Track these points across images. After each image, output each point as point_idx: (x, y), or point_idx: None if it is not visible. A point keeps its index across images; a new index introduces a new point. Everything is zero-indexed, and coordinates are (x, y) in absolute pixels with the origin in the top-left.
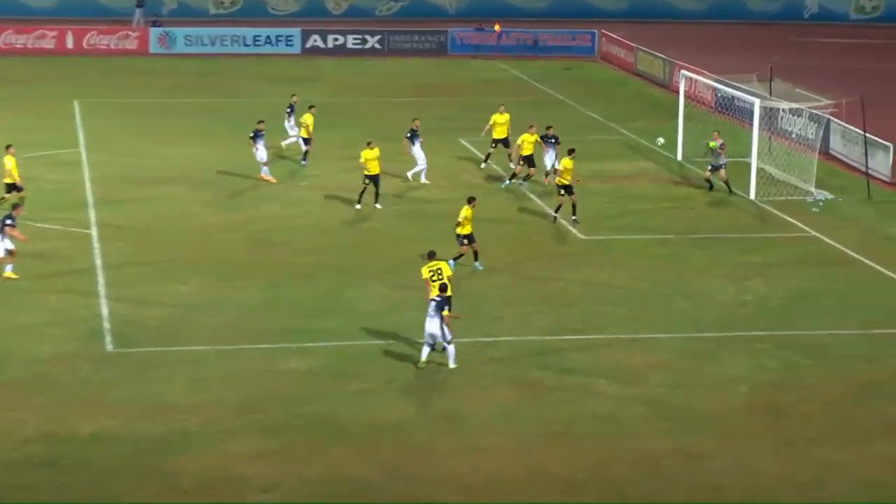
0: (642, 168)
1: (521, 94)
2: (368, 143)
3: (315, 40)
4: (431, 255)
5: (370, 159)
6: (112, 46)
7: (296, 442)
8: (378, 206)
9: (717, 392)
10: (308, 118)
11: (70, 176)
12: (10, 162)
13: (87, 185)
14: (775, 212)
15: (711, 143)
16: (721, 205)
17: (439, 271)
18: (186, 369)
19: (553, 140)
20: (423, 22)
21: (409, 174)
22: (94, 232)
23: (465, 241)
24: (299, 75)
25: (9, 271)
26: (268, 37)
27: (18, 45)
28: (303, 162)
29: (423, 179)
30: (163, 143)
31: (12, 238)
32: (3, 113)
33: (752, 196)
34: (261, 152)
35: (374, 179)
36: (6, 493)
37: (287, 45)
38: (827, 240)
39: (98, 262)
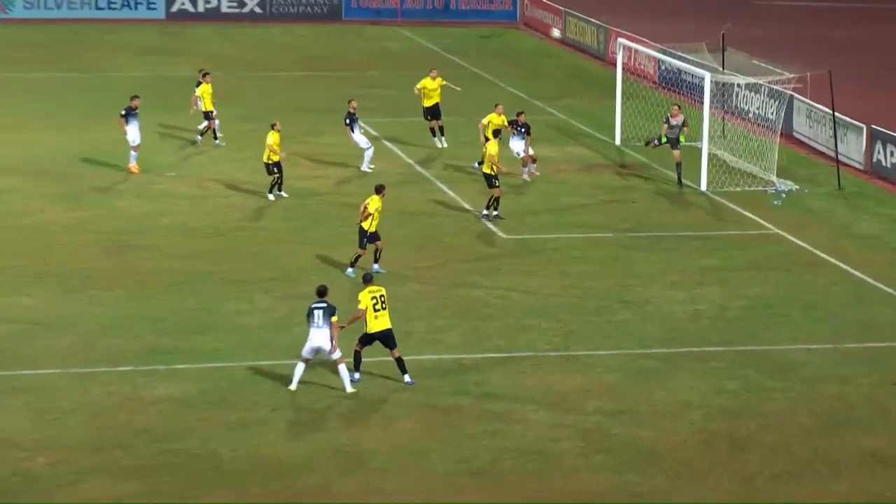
0: (574, 154)
1: (429, 68)
2: (273, 126)
3: (182, 3)
4: (369, 279)
5: (277, 143)
6: None
7: (164, 484)
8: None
9: (665, 420)
10: (205, 89)
11: None
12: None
13: None
14: (731, 205)
15: (682, 138)
16: (668, 197)
17: (383, 298)
18: (29, 397)
19: (523, 129)
20: None
21: (365, 167)
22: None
23: (368, 240)
24: (163, 46)
25: None
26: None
27: None
28: (216, 141)
29: (366, 167)
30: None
31: None
32: None
33: (704, 187)
34: (132, 134)
35: (279, 166)
36: None
37: (149, 8)
38: (792, 238)
39: None
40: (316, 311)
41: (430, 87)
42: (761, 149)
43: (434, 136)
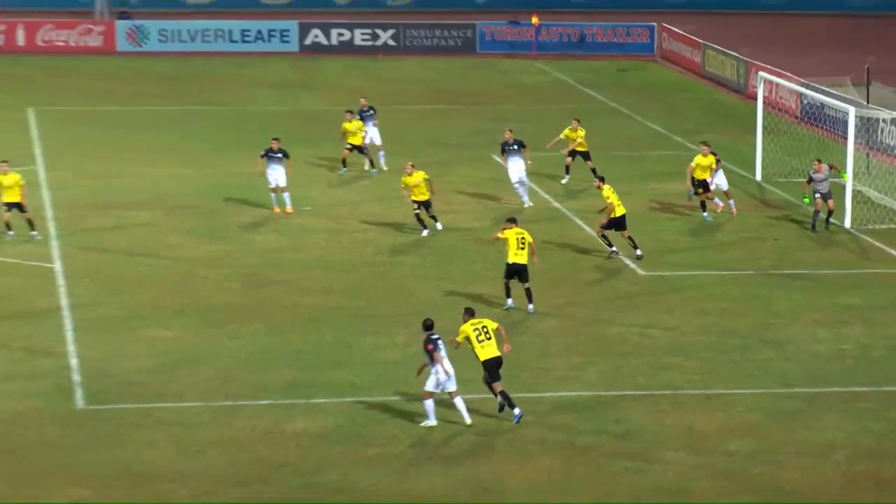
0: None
1: (564, 102)
2: (411, 165)
3: (316, 36)
4: (471, 313)
5: (412, 185)
6: (72, 43)
7: None
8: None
9: (809, 461)
10: (356, 125)
11: (27, 200)
12: None
13: (48, 211)
14: (876, 243)
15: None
16: (811, 236)
17: (485, 329)
18: (172, 431)
19: None
20: (446, 14)
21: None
22: (58, 266)
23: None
24: (296, 79)
25: None
26: (259, 32)
27: None
28: (373, 170)
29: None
30: (134, 160)
31: None
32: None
33: (848, 224)
34: (271, 176)
35: (425, 204)
36: None
37: (282, 41)
38: None
39: (64, 302)
40: (440, 342)
41: (573, 137)
42: None
43: (567, 172)
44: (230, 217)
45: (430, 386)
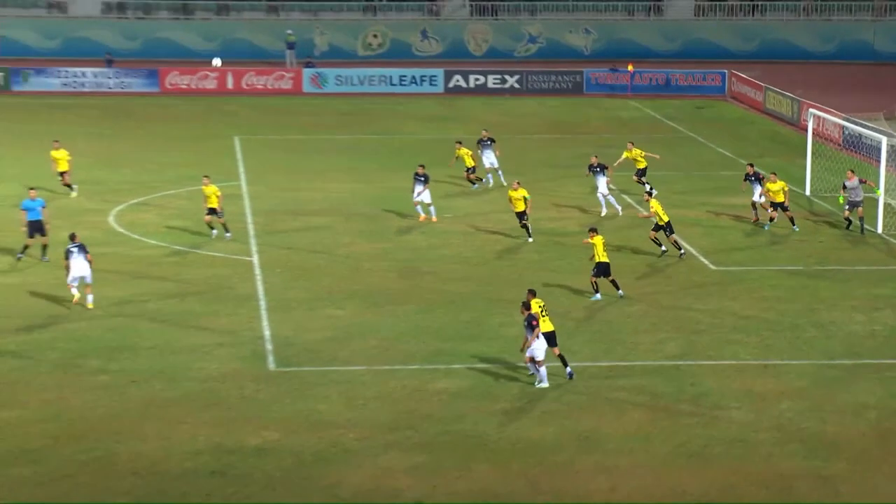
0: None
1: (654, 132)
2: (517, 183)
3: (457, 80)
4: (533, 293)
5: (515, 199)
6: (268, 86)
7: (444, 458)
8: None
9: (847, 418)
10: (464, 151)
11: (232, 207)
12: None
13: (248, 217)
14: None
15: (877, 191)
16: (849, 238)
17: (545, 307)
18: (342, 388)
19: (753, 177)
20: (559, 63)
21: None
22: (255, 259)
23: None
24: (442, 114)
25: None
26: (413, 77)
27: (183, 86)
28: (474, 185)
29: (616, 207)
30: (316, 177)
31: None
32: (170, 149)
33: (880, 230)
34: (416, 192)
35: (520, 215)
36: (181, 500)
37: (431, 84)
38: None
39: (259, 287)
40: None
41: (631, 157)
42: None
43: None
44: (389, 222)
45: (539, 355)
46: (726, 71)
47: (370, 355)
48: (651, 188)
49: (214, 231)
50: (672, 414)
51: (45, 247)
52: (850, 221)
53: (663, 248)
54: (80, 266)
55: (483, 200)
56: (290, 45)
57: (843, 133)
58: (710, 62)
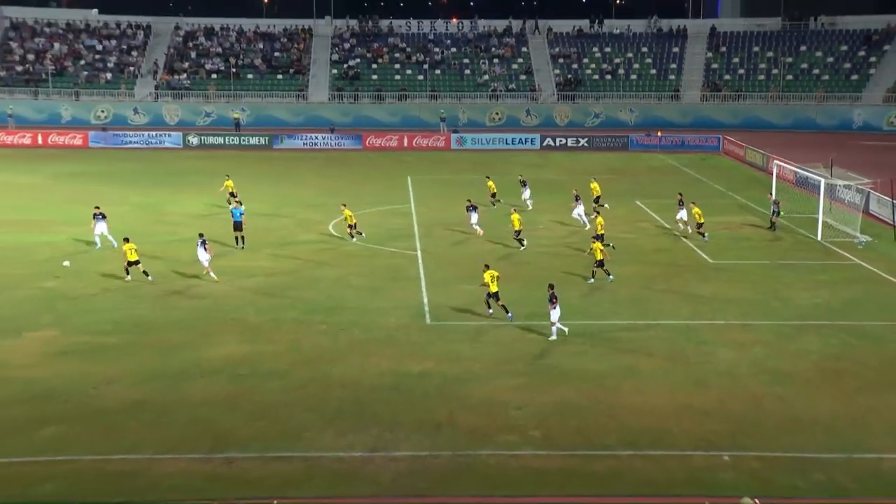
0: (749, 220)
1: (674, 175)
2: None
3: (548, 141)
4: (487, 266)
5: (514, 220)
6: (429, 145)
7: (536, 381)
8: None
9: (797, 359)
10: (595, 186)
11: (404, 221)
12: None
13: (415, 227)
14: (835, 248)
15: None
16: (799, 243)
17: (497, 276)
18: (472, 335)
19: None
20: (613, 130)
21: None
22: (418, 254)
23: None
24: (538, 163)
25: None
26: (520, 139)
27: (377, 145)
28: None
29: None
30: (457, 202)
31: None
32: (367, 183)
33: (819, 238)
34: (473, 218)
35: (517, 232)
36: (373, 405)
37: (531, 144)
38: (868, 266)
39: (421, 271)
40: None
41: (595, 188)
42: (851, 219)
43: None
44: (501, 230)
45: (554, 318)
46: (721, 136)
47: (494, 316)
48: (598, 210)
49: (362, 234)
50: (683, 355)
51: (242, 238)
52: (773, 225)
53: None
54: (203, 255)
55: (531, 220)
56: (443, 119)
57: (796, 176)
58: (710, 130)
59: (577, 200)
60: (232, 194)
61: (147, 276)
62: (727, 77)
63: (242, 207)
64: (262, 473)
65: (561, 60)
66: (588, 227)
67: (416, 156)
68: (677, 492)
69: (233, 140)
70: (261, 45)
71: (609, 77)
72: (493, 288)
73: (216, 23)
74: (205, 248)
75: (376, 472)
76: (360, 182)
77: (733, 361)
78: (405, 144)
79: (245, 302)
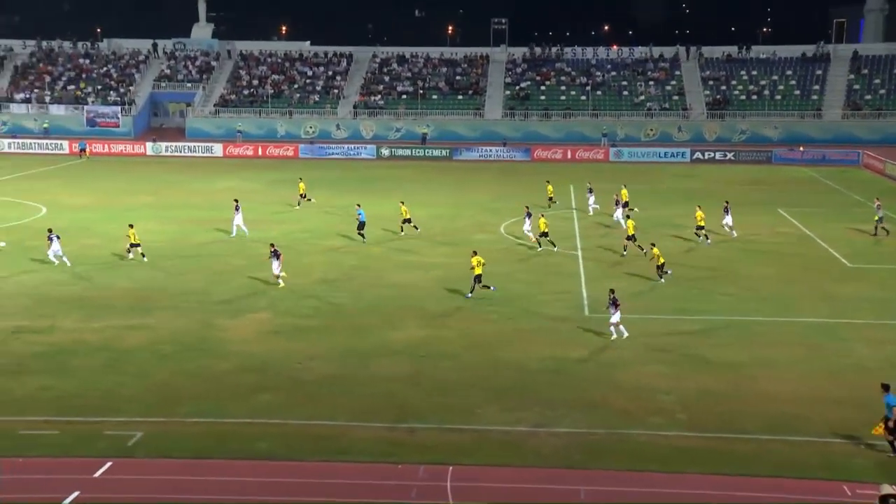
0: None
1: (814, 186)
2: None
3: (697, 155)
4: (475, 252)
5: (542, 223)
6: (589, 157)
7: (680, 369)
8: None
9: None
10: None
11: (566, 224)
12: (403, 208)
13: (576, 229)
14: None
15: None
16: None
17: (483, 263)
18: (626, 327)
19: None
20: (758, 145)
21: None
22: (578, 253)
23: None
24: (687, 173)
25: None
26: (672, 153)
27: (544, 157)
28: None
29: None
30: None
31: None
32: (535, 191)
33: None
34: (526, 225)
35: (544, 234)
36: (536, 385)
37: (682, 157)
38: None
39: (580, 268)
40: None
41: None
42: None
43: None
44: (656, 233)
45: (615, 320)
46: (860, 151)
47: (636, 308)
48: (629, 214)
49: (418, 229)
50: (820, 349)
51: (362, 234)
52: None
53: (625, 252)
54: (275, 265)
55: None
56: (605, 135)
57: None
58: (851, 145)
59: (590, 192)
60: (302, 195)
61: (143, 257)
62: (868, 97)
63: (363, 210)
64: (438, 442)
65: (711, 82)
66: (735, 235)
67: (574, 167)
68: (815, 475)
69: (419, 152)
70: (444, 70)
71: (755, 97)
72: (478, 271)
73: (407, 51)
74: (277, 259)
75: (539, 445)
76: (527, 189)
77: (868, 356)
78: (568, 157)
79: (425, 292)
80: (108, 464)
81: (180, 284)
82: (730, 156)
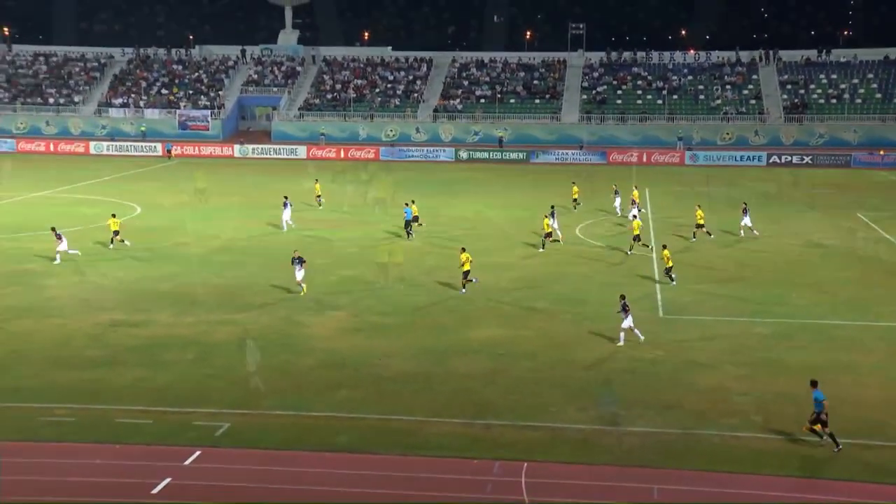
0: None
1: (892, 190)
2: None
3: (773, 158)
4: (463, 249)
5: (636, 226)
6: (665, 161)
7: (759, 372)
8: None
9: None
10: (635, 193)
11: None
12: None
13: (651, 231)
14: None
15: None
16: None
17: (470, 260)
18: (699, 327)
19: None
20: (837, 149)
21: None
22: (653, 255)
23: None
24: (763, 177)
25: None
26: (748, 156)
27: (618, 160)
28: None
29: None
30: (687, 209)
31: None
32: (608, 192)
33: None
34: (554, 224)
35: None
36: (611, 385)
37: (758, 161)
38: None
39: (655, 270)
40: (626, 304)
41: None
42: None
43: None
44: (725, 238)
45: (625, 325)
46: None
47: (713, 310)
48: (636, 214)
49: (417, 232)
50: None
51: (409, 233)
52: None
53: (631, 250)
54: (298, 272)
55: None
56: (680, 138)
57: None
58: None
59: (616, 193)
60: (318, 196)
61: (124, 242)
62: None
63: (410, 208)
64: (514, 439)
65: (789, 86)
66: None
67: (652, 171)
68: (894, 481)
69: (496, 155)
70: (522, 74)
71: (834, 101)
72: (466, 267)
73: (485, 56)
74: (301, 265)
75: (613, 444)
76: (602, 191)
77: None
78: (644, 160)
79: (503, 293)
80: (197, 452)
81: (266, 282)
82: (807, 159)
